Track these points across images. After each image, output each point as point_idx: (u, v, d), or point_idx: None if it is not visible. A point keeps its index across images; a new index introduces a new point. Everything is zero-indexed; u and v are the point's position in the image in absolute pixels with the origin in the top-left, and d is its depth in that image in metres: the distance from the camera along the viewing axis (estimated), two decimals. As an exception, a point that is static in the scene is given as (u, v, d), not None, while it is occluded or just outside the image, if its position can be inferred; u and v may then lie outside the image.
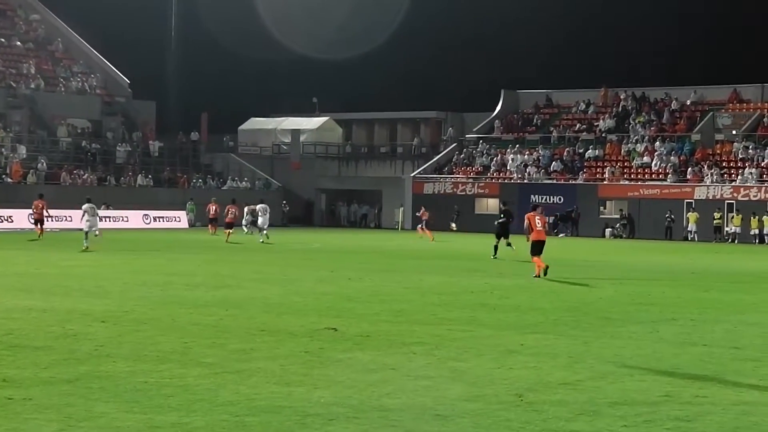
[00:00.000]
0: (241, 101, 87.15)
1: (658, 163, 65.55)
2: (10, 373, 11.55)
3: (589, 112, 74.12)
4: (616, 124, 71.18)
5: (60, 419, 9.34)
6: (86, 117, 71.54)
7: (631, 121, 70.83)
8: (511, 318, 17.92)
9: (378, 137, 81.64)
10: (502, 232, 36.19)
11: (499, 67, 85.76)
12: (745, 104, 68.85)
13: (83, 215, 37.84)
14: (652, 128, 69.35)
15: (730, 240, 59.47)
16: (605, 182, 65.82)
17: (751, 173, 61.86)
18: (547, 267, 26.54)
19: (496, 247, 35.40)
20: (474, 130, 76.29)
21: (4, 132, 65.78)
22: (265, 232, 45.97)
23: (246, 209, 54.11)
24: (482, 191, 68.89)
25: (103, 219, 58.92)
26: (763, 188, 60.55)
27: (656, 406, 10.46)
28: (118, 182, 66.52)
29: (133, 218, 61.94)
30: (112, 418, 9.42)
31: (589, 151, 69.07)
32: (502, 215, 37.24)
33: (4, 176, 61.59)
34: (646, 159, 66.54)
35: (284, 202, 72.46)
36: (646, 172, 65.79)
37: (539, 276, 26.40)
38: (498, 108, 77.12)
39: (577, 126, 72.66)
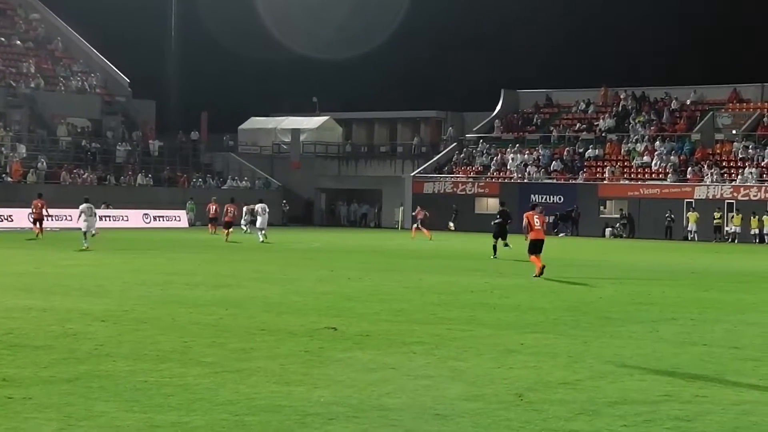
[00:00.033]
0: (241, 101, 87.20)
1: (658, 162, 65.56)
2: (10, 373, 11.55)
3: (589, 111, 74.14)
4: (616, 124, 71.18)
5: (60, 418, 9.34)
6: (86, 116, 71.56)
7: (631, 121, 70.84)
8: (510, 317, 17.92)
9: (378, 137, 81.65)
10: (500, 232, 36.16)
11: (499, 67, 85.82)
12: (745, 104, 68.86)
13: (80, 215, 37.81)
14: (652, 128, 69.36)
15: (730, 240, 59.48)
16: (605, 182, 65.84)
17: (751, 173, 61.87)
18: (543, 267, 26.56)
19: (494, 248, 35.43)
20: (474, 129, 76.30)
21: (4, 131, 65.79)
22: (263, 231, 45.91)
23: (245, 209, 54.14)
24: (482, 191, 68.90)
25: (103, 218, 59.13)
26: (763, 188, 60.55)
27: (656, 405, 10.46)
28: (118, 181, 66.54)
29: (133, 218, 61.96)
30: (112, 417, 9.42)
31: (589, 150, 69.08)
32: (498, 216, 37.13)
33: (3, 175, 61.60)
34: (646, 159, 66.55)
35: (284, 201, 72.48)
36: (646, 172, 65.80)
37: (539, 276, 26.39)
38: (498, 107, 77.12)
39: (577, 126, 72.66)
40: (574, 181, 66.98)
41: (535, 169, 68.77)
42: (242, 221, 54.10)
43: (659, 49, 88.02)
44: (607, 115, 72.47)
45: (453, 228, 63.67)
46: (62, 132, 68.87)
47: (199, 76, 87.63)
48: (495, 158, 71.57)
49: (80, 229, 37.76)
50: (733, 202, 60.67)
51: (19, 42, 74.13)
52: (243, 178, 74.03)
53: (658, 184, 63.77)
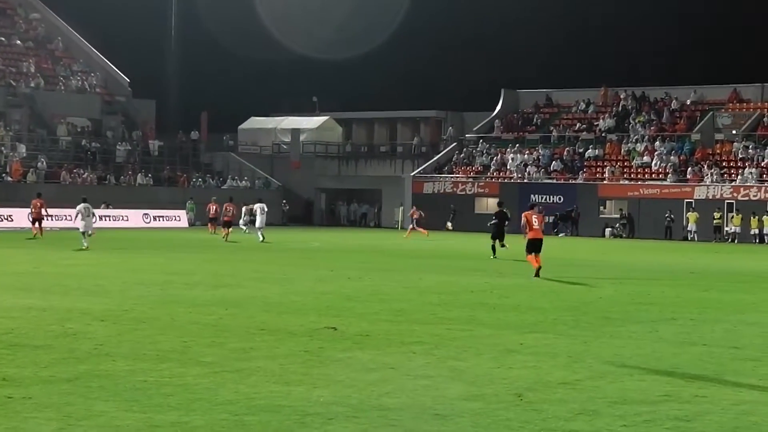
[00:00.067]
0: (241, 100, 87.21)
1: (658, 162, 65.55)
2: (9, 372, 11.55)
3: (589, 111, 74.13)
4: (616, 124, 71.17)
5: (59, 418, 9.34)
6: (86, 116, 71.57)
7: (631, 121, 70.83)
8: (510, 317, 17.92)
9: (378, 136, 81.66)
10: (498, 233, 36.10)
11: (499, 67, 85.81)
12: (745, 104, 68.85)
13: (77, 215, 37.82)
14: (652, 128, 69.35)
15: (729, 240, 59.48)
16: (605, 182, 65.83)
17: (751, 173, 61.87)
18: (539, 268, 26.59)
19: (493, 248, 35.44)
20: (474, 129, 76.28)
21: (3, 131, 65.79)
22: (260, 236, 45.78)
23: (244, 209, 54.19)
24: (482, 191, 68.88)
25: (103, 218, 59.18)
26: (763, 188, 60.55)
27: (655, 405, 10.46)
28: (118, 181, 66.54)
29: (133, 217, 61.96)
30: (111, 417, 9.42)
31: (589, 150, 69.07)
32: (494, 217, 37.03)
33: (3, 175, 61.60)
34: (646, 159, 66.54)
35: (284, 201, 72.50)
36: (646, 172, 65.79)
37: (537, 276, 26.41)
38: (498, 107, 77.11)
39: (577, 125, 72.65)
40: (573, 181, 66.97)
41: (535, 169, 68.77)
42: (241, 221, 54.10)
43: (659, 49, 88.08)
44: (607, 115, 72.46)
45: (450, 228, 63.72)
46: (62, 132, 68.88)
47: (199, 76, 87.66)
48: (495, 158, 71.56)
49: (78, 229, 37.77)
50: (732, 202, 60.67)
51: (19, 41, 74.14)
52: (243, 177, 74.05)
53: (658, 184, 63.76)
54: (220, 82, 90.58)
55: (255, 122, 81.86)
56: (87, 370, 11.80)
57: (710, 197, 61.37)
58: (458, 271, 28.98)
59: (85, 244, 36.31)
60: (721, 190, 61.48)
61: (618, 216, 63.81)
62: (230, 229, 47.46)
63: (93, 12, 79.03)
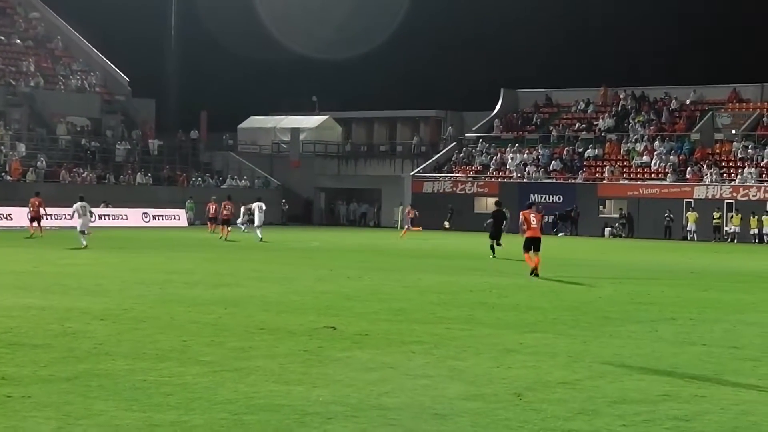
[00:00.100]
0: (241, 100, 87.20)
1: (658, 162, 65.56)
2: (9, 371, 11.55)
3: (589, 111, 74.14)
4: (615, 124, 71.18)
5: (59, 417, 9.34)
6: (86, 115, 71.58)
7: (631, 121, 70.84)
8: (510, 317, 17.92)
9: (377, 136, 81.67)
10: (495, 233, 36.12)
11: (499, 67, 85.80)
12: (744, 104, 68.86)
13: (74, 213, 37.86)
14: (651, 128, 69.36)
15: (729, 239, 59.48)
16: (605, 181, 65.83)
17: (750, 173, 61.88)
18: (534, 270, 26.67)
19: (492, 247, 35.48)
20: (473, 129, 76.29)
21: (3, 130, 65.79)
22: (259, 234, 45.83)
23: (242, 208, 54.22)
24: (482, 190, 68.87)
25: (103, 217, 59.18)
26: (763, 188, 60.56)
27: (655, 405, 10.46)
28: (118, 180, 66.54)
29: (133, 216, 61.96)
30: (111, 416, 9.42)
31: (589, 150, 69.07)
32: (491, 217, 37.08)
33: (3, 174, 61.59)
34: (645, 158, 66.54)
35: (284, 200, 72.51)
36: (646, 172, 65.80)
37: (538, 275, 26.43)
38: (498, 107, 77.11)
39: (577, 125, 72.66)
40: (573, 181, 66.98)
41: (535, 169, 68.77)
42: (239, 220, 54.12)
43: (659, 49, 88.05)
44: (606, 114, 72.47)
45: (448, 227, 63.78)
46: (62, 131, 68.88)
47: (198, 76, 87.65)
48: (494, 158, 71.57)
49: (76, 228, 37.82)
50: (732, 202, 60.68)
51: (18, 41, 74.13)
52: (242, 177, 74.05)
53: (658, 184, 63.77)
54: (220, 82, 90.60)
55: (254, 121, 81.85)
56: (86, 369, 11.80)
57: (710, 197, 61.38)
58: (458, 271, 28.99)
59: (84, 243, 36.32)
60: (721, 189, 61.49)
61: (617, 216, 63.82)
62: (229, 228, 47.48)
63: (93, 11, 79.04)
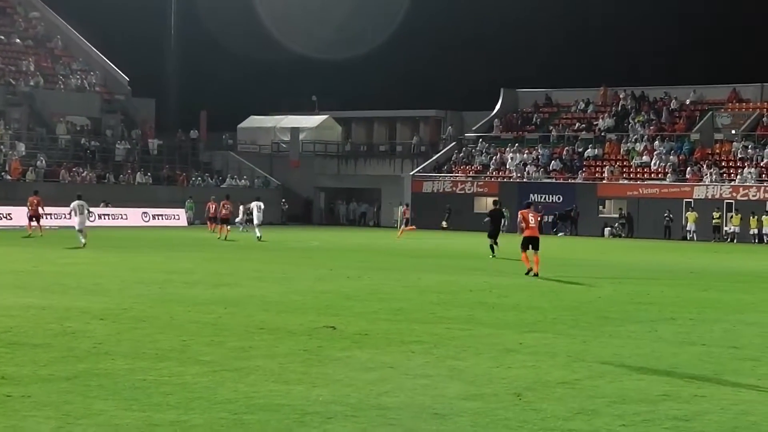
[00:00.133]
0: (241, 99, 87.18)
1: (658, 162, 65.56)
2: (8, 371, 11.54)
3: (589, 111, 74.14)
4: (615, 124, 71.18)
5: (58, 417, 9.34)
6: (85, 114, 71.56)
7: (631, 121, 70.84)
8: (509, 317, 17.92)
9: (377, 135, 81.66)
10: (494, 232, 36.23)
11: (498, 67, 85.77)
12: (744, 104, 68.85)
13: (71, 212, 37.93)
14: (651, 127, 69.36)
15: (729, 239, 59.48)
16: (604, 181, 65.83)
17: (750, 173, 61.88)
18: (529, 270, 26.78)
19: (492, 247, 35.55)
20: (473, 128, 76.28)
21: (3, 129, 65.77)
22: (258, 232, 45.91)
23: (241, 208, 54.30)
24: (481, 190, 68.86)
25: (102, 217, 59.19)
26: (762, 188, 60.56)
27: (655, 405, 10.46)
28: (117, 180, 66.53)
29: (132, 216, 61.96)
30: (110, 416, 9.42)
31: (589, 150, 69.07)
32: (488, 216, 37.23)
33: (3, 173, 61.59)
34: (645, 158, 66.55)
35: (283, 200, 72.52)
36: (645, 172, 65.80)
37: (537, 275, 26.47)
38: (497, 107, 77.11)
39: (577, 125, 72.65)
40: (573, 181, 66.98)
41: (534, 169, 68.77)
42: (237, 220, 54.17)
43: (659, 49, 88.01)
44: (606, 114, 72.47)
45: (446, 226, 63.81)
46: (61, 130, 68.86)
47: (198, 75, 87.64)
48: (494, 157, 71.57)
49: (74, 227, 37.90)
50: (732, 202, 60.67)
51: (18, 40, 74.12)
52: (242, 176, 74.04)
53: (657, 184, 63.77)
54: (220, 82, 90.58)
55: (254, 121, 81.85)
56: (86, 368, 11.80)
57: (709, 197, 61.38)
58: (457, 271, 28.99)
59: (83, 241, 36.34)
60: (721, 189, 61.49)
61: (617, 215, 63.82)
62: (229, 228, 47.53)
63: (92, 11, 79.03)
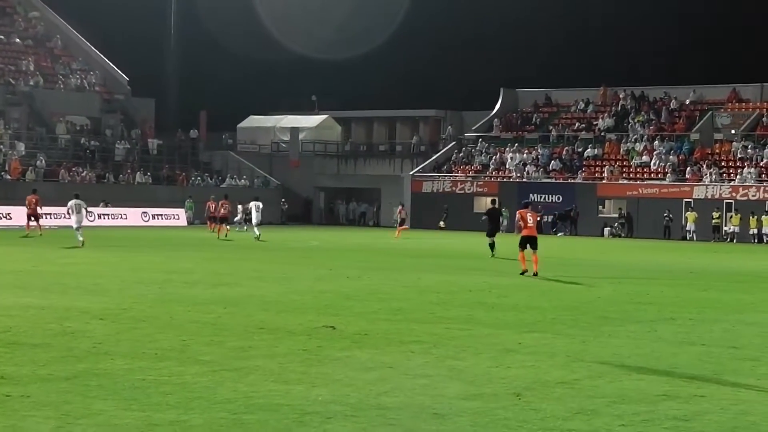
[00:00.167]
0: (240, 99, 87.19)
1: (657, 162, 65.56)
2: (8, 371, 11.54)
3: (589, 111, 74.13)
4: (615, 123, 71.18)
5: (58, 416, 9.34)
6: (85, 114, 71.55)
7: (630, 121, 70.84)
8: (509, 317, 17.92)
9: (377, 135, 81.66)
10: (492, 231, 36.37)
11: (498, 67, 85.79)
12: (744, 104, 68.85)
13: (68, 211, 38.04)
14: (651, 127, 69.36)
15: (728, 239, 59.48)
16: (604, 181, 65.82)
17: (750, 173, 61.88)
18: (524, 271, 26.89)
19: (491, 246, 35.64)
20: (473, 128, 76.29)
21: (3, 129, 65.77)
22: (257, 231, 46.01)
23: (239, 207, 54.34)
24: (481, 190, 68.85)
25: (102, 216, 59.20)
26: (762, 188, 60.56)
27: (654, 405, 10.46)
28: (117, 180, 66.52)
29: (132, 216, 61.96)
30: (110, 416, 9.41)
31: (588, 150, 69.07)
32: (485, 215, 37.42)
33: (2, 173, 61.58)
34: (645, 158, 66.55)
35: (283, 200, 72.52)
36: (645, 172, 65.80)
37: (536, 273, 26.51)
38: (497, 107, 77.11)
39: (576, 125, 72.65)
40: (572, 181, 66.98)
41: (534, 169, 68.77)
42: (236, 219, 54.21)
43: (659, 49, 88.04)
44: (606, 114, 72.47)
45: (443, 226, 63.85)
46: (61, 130, 68.85)
47: (198, 75, 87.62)
48: (494, 157, 71.57)
49: (72, 226, 38.02)
50: (731, 202, 60.67)
51: (18, 40, 74.11)
52: (242, 176, 74.04)
53: (657, 184, 63.76)
54: (220, 82, 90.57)
55: (254, 121, 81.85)
56: (85, 368, 11.79)
57: (709, 197, 61.37)
58: (457, 271, 28.99)
59: (81, 239, 36.40)
60: (720, 189, 61.49)
61: (617, 215, 63.81)
62: (228, 227, 47.58)
63: (92, 10, 79.02)
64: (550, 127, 73.47)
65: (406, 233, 52.90)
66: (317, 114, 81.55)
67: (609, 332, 16.18)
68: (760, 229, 58.98)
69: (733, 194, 60.98)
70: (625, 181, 65.52)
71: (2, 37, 73.38)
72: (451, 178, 70.57)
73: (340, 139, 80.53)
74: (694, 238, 59.73)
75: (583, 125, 72.19)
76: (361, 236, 54.60)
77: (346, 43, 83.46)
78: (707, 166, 63.25)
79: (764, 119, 66.38)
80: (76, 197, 38.83)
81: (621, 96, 73.59)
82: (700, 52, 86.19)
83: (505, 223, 60.87)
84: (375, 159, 78.38)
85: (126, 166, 68.16)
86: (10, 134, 65.80)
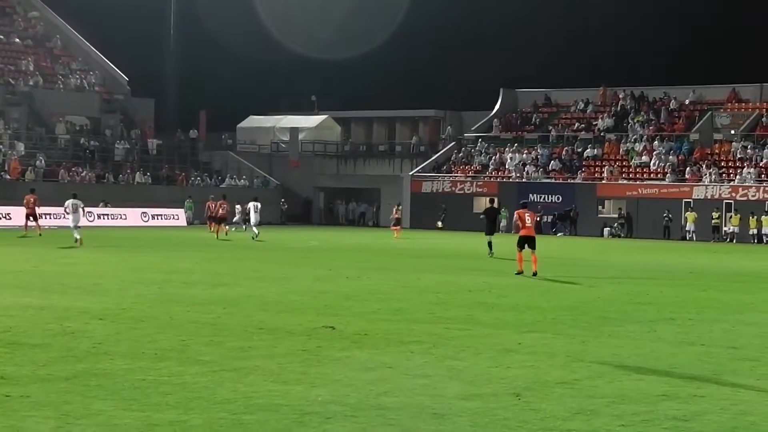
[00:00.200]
0: (240, 99, 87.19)
1: (657, 162, 65.57)
2: (7, 371, 11.54)
3: (588, 111, 74.14)
4: (614, 124, 71.19)
5: (57, 417, 9.34)
6: (85, 114, 71.54)
7: (630, 121, 70.86)
8: (508, 317, 17.92)
9: (377, 135, 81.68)
10: (490, 230, 36.53)
11: (498, 67, 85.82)
12: (743, 104, 68.86)
13: (66, 210, 38.13)
14: (650, 128, 69.37)
15: (728, 240, 59.49)
16: (604, 181, 65.83)
17: (749, 173, 61.89)
18: (520, 271, 27.01)
19: (489, 245, 35.78)
20: (473, 128, 76.30)
21: (2, 129, 65.75)
22: (255, 230, 46.14)
23: (238, 207, 54.36)
24: (480, 190, 68.86)
25: (102, 216, 59.18)
26: (762, 188, 60.57)
27: (654, 405, 10.46)
28: (117, 180, 66.51)
29: (132, 216, 61.94)
30: (109, 416, 9.41)
31: (588, 150, 69.08)
32: (483, 214, 37.60)
33: (2, 173, 61.57)
34: (644, 158, 66.56)
35: (282, 200, 72.51)
36: (645, 172, 65.80)
37: (535, 273, 26.53)
38: (497, 107, 77.13)
39: (576, 125, 72.66)
40: (572, 181, 66.98)
41: (534, 169, 68.78)
42: (234, 219, 54.22)
43: (659, 49, 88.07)
44: (605, 114, 72.48)
45: (441, 226, 63.91)
46: (61, 130, 68.84)
47: (197, 75, 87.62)
48: (493, 157, 71.58)
49: (70, 226, 38.13)
50: (731, 202, 60.68)
51: (18, 40, 74.10)
52: (241, 176, 74.04)
53: (657, 184, 63.77)
54: (219, 82, 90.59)
55: (253, 121, 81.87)
56: (85, 368, 11.79)
57: (709, 197, 61.39)
58: (456, 271, 29.00)
59: (78, 236, 36.46)
60: (720, 190, 61.50)
61: (616, 216, 63.81)
62: (227, 228, 47.62)
63: (92, 10, 79.01)
64: (550, 128, 73.47)
65: (401, 233, 52.79)
66: (317, 114, 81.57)
67: (608, 332, 16.18)
68: (759, 230, 59.00)
69: (733, 194, 60.99)
70: (625, 182, 65.53)
71: (2, 37, 73.37)
72: (451, 179, 70.58)
73: (339, 139, 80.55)
74: (694, 239, 59.74)
75: (583, 125, 72.20)
76: (361, 236, 54.59)
77: (346, 43, 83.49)
78: (707, 166, 63.26)
79: (764, 119, 66.39)
80: (74, 197, 38.98)
81: (620, 96, 73.60)
82: (699, 52, 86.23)
83: (504, 223, 60.99)
84: (374, 159, 78.39)
85: (125, 166, 68.15)
86: (9, 134, 65.79)
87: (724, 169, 63.39)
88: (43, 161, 63.96)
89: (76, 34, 76.98)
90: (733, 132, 65.82)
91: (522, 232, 27.50)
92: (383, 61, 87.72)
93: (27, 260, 29.65)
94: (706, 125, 67.17)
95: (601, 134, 70.38)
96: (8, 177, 61.33)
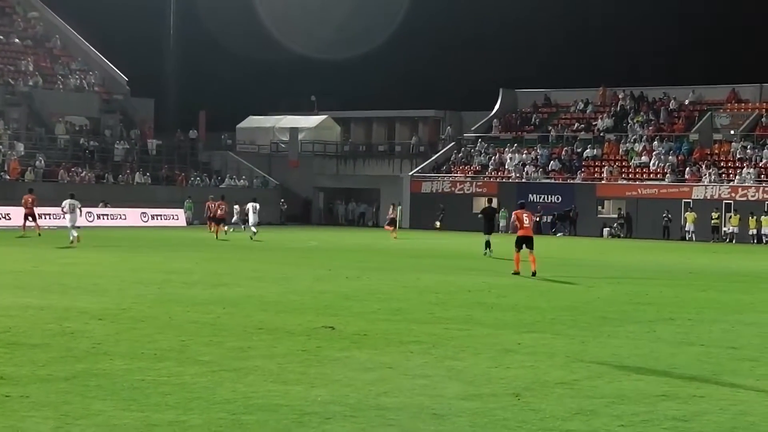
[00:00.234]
0: (240, 99, 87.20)
1: (656, 162, 65.57)
2: (7, 371, 11.54)
3: (588, 111, 74.15)
4: (614, 124, 71.20)
5: (57, 417, 9.34)
6: (84, 114, 71.53)
7: (630, 121, 70.86)
8: (508, 317, 17.93)
9: (376, 136, 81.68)
10: (489, 230, 36.67)
11: (498, 67, 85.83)
12: (743, 104, 68.87)
13: (63, 209, 38.19)
14: (650, 128, 69.38)
15: (727, 240, 59.50)
16: (603, 182, 65.84)
17: (749, 173, 61.89)
18: (517, 272, 27.12)
19: (487, 244, 35.88)
20: (472, 129, 76.31)
21: (2, 129, 65.75)
22: (254, 230, 46.20)
23: (236, 207, 54.38)
24: (480, 190, 68.85)
25: (101, 217, 59.17)
26: (761, 188, 60.57)
27: (653, 405, 10.46)
28: (116, 180, 66.51)
29: (131, 216, 61.93)
30: (109, 416, 9.41)
31: (588, 150, 69.08)
32: (480, 214, 37.81)
33: (1, 174, 61.57)
34: (644, 158, 66.56)
35: (282, 200, 72.52)
36: (644, 172, 65.81)
37: (534, 273, 26.56)
38: (496, 107, 77.14)
39: (576, 125, 72.66)
40: (572, 181, 66.98)
41: (533, 169, 68.79)
42: (233, 220, 54.22)
43: (659, 49, 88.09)
44: (605, 114, 72.49)
45: (438, 226, 63.83)
46: (60, 130, 68.84)
47: (197, 75, 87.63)
48: (493, 158, 71.58)
49: (67, 226, 38.18)
50: (731, 203, 60.68)
51: (17, 40, 74.10)
52: (241, 176, 74.03)
53: (656, 184, 63.78)
54: (219, 82, 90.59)
55: (253, 121, 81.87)
56: (85, 368, 11.79)
57: (708, 197, 61.39)
58: (456, 271, 29.00)
59: (75, 234, 36.48)
60: (719, 190, 61.50)
61: (616, 216, 63.82)
62: (226, 228, 47.66)
63: (91, 10, 79.01)
64: (550, 128, 73.48)
65: (394, 233, 52.65)
66: (316, 114, 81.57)
67: (608, 332, 16.18)
68: (759, 230, 59.01)
69: (733, 194, 61.00)
70: (625, 182, 65.54)
71: (1, 37, 73.38)
72: (451, 179, 70.58)
73: (339, 139, 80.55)
74: (693, 239, 59.75)
75: (583, 125, 72.20)
76: (360, 236, 54.60)
77: (345, 43, 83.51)
78: (706, 166, 63.26)
79: (763, 119, 66.40)
80: (71, 197, 39.06)
81: (620, 96, 73.61)
82: (699, 52, 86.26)
83: (503, 223, 61.01)
84: (374, 159, 78.38)
85: (125, 167, 68.15)
86: (9, 134, 65.78)
87: (723, 170, 63.40)
88: (42, 161, 63.96)
89: (75, 34, 76.99)
90: (732, 132, 65.83)
91: (520, 233, 27.62)
92: (383, 61, 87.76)
93: (27, 260, 29.65)
94: (705, 125, 67.18)
95: (601, 134, 70.39)
96: (8, 177, 61.32)
